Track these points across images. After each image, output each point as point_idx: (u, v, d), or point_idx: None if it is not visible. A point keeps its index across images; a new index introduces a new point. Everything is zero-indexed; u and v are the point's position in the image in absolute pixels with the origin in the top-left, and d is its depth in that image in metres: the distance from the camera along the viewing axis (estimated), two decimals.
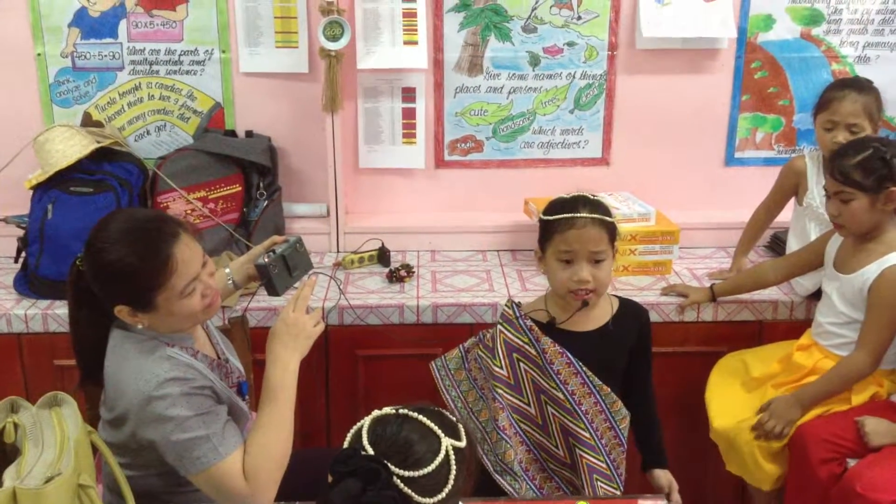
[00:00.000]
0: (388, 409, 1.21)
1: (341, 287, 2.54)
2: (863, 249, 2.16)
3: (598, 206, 1.89)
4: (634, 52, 2.77)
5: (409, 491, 1.12)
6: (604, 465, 1.93)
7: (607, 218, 1.88)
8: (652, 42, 2.73)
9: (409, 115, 2.82)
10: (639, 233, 2.62)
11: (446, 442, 1.17)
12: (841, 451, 2.08)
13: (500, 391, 1.93)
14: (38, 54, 2.69)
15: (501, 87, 2.81)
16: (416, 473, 1.13)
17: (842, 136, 2.35)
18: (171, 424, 1.57)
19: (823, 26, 2.79)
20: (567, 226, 1.86)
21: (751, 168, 2.91)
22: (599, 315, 1.97)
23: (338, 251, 2.83)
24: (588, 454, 1.92)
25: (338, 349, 2.47)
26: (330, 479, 1.14)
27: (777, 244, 2.77)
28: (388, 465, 1.12)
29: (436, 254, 2.83)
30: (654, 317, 2.47)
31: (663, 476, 2.03)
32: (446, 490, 1.15)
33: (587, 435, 1.91)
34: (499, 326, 1.95)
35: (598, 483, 1.92)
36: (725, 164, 2.92)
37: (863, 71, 2.80)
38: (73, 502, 1.43)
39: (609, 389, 1.92)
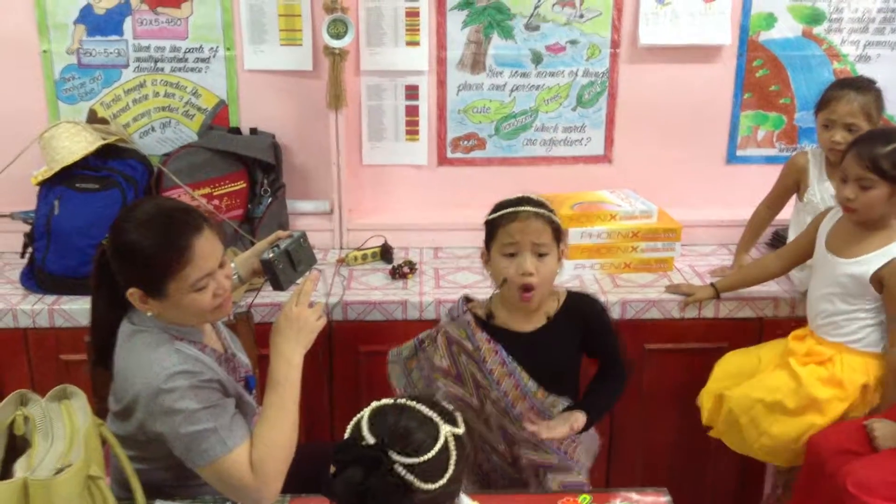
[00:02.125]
0: (386, 400, 1.23)
1: (345, 284, 2.55)
2: (864, 237, 2.16)
3: (541, 204, 1.91)
4: (636, 49, 2.78)
5: (411, 477, 1.14)
6: (554, 459, 1.91)
7: (551, 215, 1.90)
8: (654, 40, 2.76)
9: (412, 112, 2.84)
10: (641, 230, 2.63)
11: (445, 429, 1.18)
12: (852, 458, 2.05)
13: (440, 381, 1.94)
14: (44, 51, 2.71)
15: (504, 85, 2.82)
16: (417, 460, 1.15)
17: (839, 136, 2.37)
18: (180, 417, 1.59)
19: (825, 25, 2.80)
20: (510, 219, 1.88)
21: (752, 166, 2.93)
22: (545, 311, 1.95)
23: (341, 248, 2.84)
24: (528, 453, 1.90)
25: (341, 345, 2.48)
26: (332, 469, 1.16)
27: (778, 241, 2.78)
28: (389, 452, 1.14)
29: (438, 251, 2.85)
30: (654, 313, 2.49)
31: (577, 416, 1.88)
32: (447, 476, 1.16)
33: (525, 435, 1.89)
34: (443, 320, 1.98)
35: (550, 476, 1.91)
36: (727, 161, 2.93)
37: (863, 70, 2.81)
38: (83, 493, 1.45)
39: (546, 394, 1.89)
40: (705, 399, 2.36)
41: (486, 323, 1.94)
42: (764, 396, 2.22)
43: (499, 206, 1.94)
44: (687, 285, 2.54)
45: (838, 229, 2.24)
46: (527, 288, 1.87)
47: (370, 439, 1.16)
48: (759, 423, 2.22)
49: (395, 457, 1.14)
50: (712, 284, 2.49)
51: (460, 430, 1.21)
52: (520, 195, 1.95)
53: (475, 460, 1.94)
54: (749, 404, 2.23)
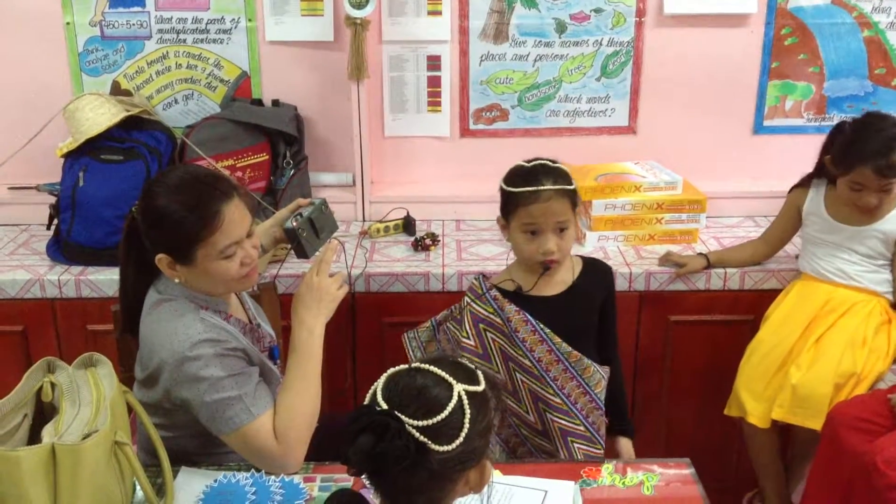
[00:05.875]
0: (402, 366, 1.23)
1: (367, 256, 2.56)
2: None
3: (560, 175, 1.88)
4: (662, 18, 2.74)
5: (425, 439, 1.13)
6: (582, 428, 1.95)
7: (569, 187, 1.88)
8: (680, 8, 2.71)
9: (434, 83, 2.82)
10: (665, 201, 2.61)
11: (458, 388, 1.17)
12: (875, 429, 2.05)
13: (465, 360, 1.94)
14: (68, 23, 2.71)
15: (527, 55, 2.79)
16: (430, 422, 1.14)
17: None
18: (205, 384, 1.60)
19: None
20: (531, 199, 1.85)
21: (779, 136, 2.88)
22: (564, 278, 1.98)
23: (364, 220, 2.84)
24: (560, 418, 1.93)
25: (364, 316, 2.49)
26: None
27: None
28: (401, 416, 1.13)
29: (460, 223, 2.84)
30: (679, 285, 2.48)
31: (626, 446, 2.07)
32: (463, 435, 1.15)
33: (558, 400, 1.93)
34: (466, 299, 1.97)
35: (576, 445, 1.94)
36: (754, 132, 2.89)
37: (894, 38, 2.75)
38: (110, 459, 1.47)
39: (579, 355, 1.92)
40: (751, 403, 2.33)
41: (515, 294, 1.95)
42: (840, 379, 2.21)
43: (517, 179, 1.91)
44: (678, 255, 2.51)
45: (834, 203, 2.33)
46: (549, 264, 1.90)
47: (384, 405, 1.16)
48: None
49: (407, 420, 1.14)
50: (704, 255, 2.47)
51: (479, 388, 1.20)
52: (535, 162, 1.92)
53: (502, 417, 1.96)
54: (827, 387, 2.21)
